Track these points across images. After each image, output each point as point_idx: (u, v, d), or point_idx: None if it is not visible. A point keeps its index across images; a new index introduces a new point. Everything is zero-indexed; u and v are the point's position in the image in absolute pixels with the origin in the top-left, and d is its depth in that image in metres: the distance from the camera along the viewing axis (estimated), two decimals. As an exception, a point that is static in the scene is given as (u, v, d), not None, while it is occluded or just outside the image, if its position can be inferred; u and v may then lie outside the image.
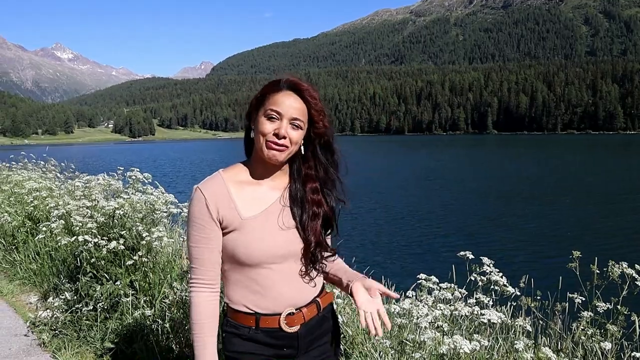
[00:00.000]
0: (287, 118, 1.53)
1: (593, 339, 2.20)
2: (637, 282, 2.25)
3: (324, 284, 1.75)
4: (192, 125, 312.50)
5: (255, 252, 1.55)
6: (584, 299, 2.38)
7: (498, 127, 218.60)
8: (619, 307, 2.27)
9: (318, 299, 1.68)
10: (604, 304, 2.28)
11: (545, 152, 75.77)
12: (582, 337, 2.24)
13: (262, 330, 1.58)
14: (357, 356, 2.85)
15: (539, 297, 2.64)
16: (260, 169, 1.62)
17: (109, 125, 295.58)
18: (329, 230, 1.72)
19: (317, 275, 1.68)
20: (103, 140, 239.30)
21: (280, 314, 1.59)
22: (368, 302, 1.61)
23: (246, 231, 1.55)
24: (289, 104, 1.53)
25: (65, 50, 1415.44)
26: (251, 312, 1.59)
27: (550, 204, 24.68)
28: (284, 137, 1.53)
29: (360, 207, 20.26)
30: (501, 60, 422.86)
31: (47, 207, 5.92)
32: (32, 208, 6.23)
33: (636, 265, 2.33)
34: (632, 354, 2.13)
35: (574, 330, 2.32)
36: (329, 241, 1.75)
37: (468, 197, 27.41)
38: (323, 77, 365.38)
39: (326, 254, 1.69)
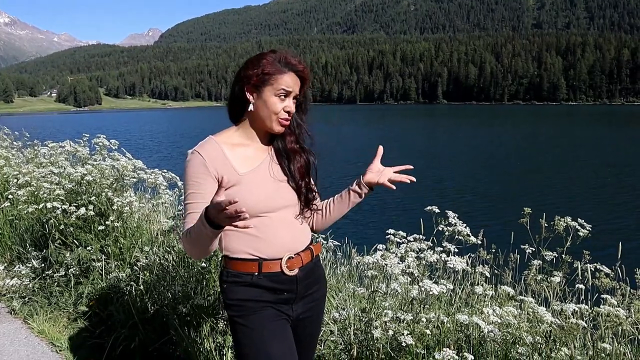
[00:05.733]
0: (291, 96, 1.79)
1: (541, 284, 2.48)
2: (580, 233, 2.53)
3: (313, 235, 1.96)
4: (140, 95, 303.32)
5: (253, 202, 1.72)
6: (533, 249, 2.66)
7: (448, 97, 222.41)
8: (563, 255, 2.55)
9: (311, 246, 1.88)
10: (551, 253, 2.56)
11: (497, 122, 78.45)
12: (532, 283, 2.52)
13: (264, 275, 1.75)
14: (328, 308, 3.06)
15: (493, 250, 2.92)
16: (249, 132, 1.84)
17: (52, 95, 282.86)
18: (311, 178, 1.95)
19: (309, 218, 1.94)
20: (46, 110, 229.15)
21: (281, 259, 1.77)
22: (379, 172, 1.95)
23: (244, 185, 1.74)
24: (294, 83, 1.79)
25: (0, 14, 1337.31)
26: (254, 258, 1.75)
27: (504, 169, 26.39)
28: (289, 112, 1.80)
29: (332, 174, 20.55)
30: (451, 30, 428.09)
31: (5, 176, 5.82)
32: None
33: (579, 218, 2.62)
34: (576, 287, 2.41)
35: (525, 277, 2.60)
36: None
37: (432, 164, 28.32)
38: (274, 45, 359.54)
39: (314, 194, 1.93)
